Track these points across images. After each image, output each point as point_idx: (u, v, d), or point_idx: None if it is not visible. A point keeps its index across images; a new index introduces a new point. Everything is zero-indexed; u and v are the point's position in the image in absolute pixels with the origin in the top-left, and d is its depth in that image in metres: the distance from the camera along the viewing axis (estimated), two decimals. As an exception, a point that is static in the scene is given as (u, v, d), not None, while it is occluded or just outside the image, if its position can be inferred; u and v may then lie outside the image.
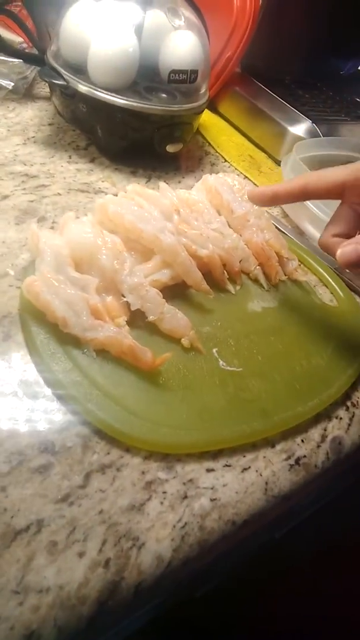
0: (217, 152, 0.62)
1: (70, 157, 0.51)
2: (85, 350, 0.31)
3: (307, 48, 0.70)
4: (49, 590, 0.22)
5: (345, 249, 0.31)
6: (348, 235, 0.35)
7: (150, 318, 0.34)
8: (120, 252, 0.35)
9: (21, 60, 0.54)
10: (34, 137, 0.52)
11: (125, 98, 0.47)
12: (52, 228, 0.42)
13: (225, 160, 0.61)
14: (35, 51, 0.56)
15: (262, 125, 0.65)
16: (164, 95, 0.51)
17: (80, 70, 0.49)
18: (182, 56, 0.48)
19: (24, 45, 0.59)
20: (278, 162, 0.64)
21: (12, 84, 0.53)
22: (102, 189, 0.49)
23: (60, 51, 0.50)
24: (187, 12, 0.50)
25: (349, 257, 0.31)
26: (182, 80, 0.48)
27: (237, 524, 0.27)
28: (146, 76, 0.50)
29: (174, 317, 0.34)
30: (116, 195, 0.40)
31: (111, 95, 0.47)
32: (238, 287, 0.41)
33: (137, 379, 0.31)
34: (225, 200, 0.43)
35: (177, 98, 0.51)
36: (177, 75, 0.48)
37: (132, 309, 0.34)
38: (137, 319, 0.35)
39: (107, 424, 0.28)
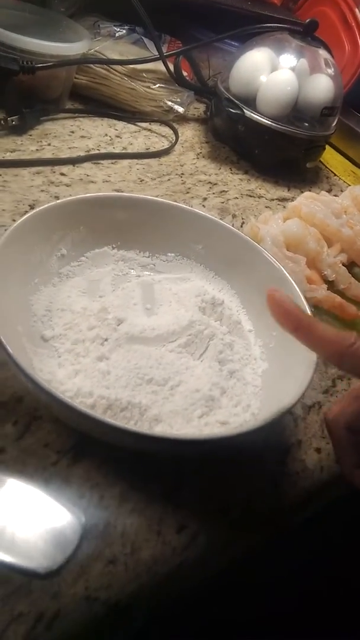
0: (327, 168, 0.77)
1: (231, 169, 0.66)
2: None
3: None
4: (339, 437, 0.36)
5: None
6: None
7: (341, 286, 0.49)
8: (320, 239, 0.49)
9: (191, 91, 0.69)
10: (201, 152, 0.67)
11: (284, 125, 0.62)
12: (243, 222, 0.56)
13: (335, 175, 0.76)
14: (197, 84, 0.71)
15: (360, 147, 0.80)
16: (306, 124, 0.66)
17: (246, 101, 0.63)
18: (330, 95, 0.63)
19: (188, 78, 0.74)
20: (374, 177, 0.79)
21: (183, 109, 0.68)
22: (261, 194, 0.63)
23: (230, 87, 0.65)
24: (329, 58, 0.65)
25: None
26: (329, 114, 0.63)
27: None
28: (292, 109, 0.64)
29: (358, 286, 0.49)
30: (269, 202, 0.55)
31: (275, 123, 0.62)
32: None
33: (340, 325, 0.46)
34: (369, 206, 0.58)
35: (317, 126, 0.66)
36: (328, 110, 0.62)
37: (329, 279, 0.49)
38: (328, 287, 0.49)
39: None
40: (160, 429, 0.28)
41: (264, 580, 0.74)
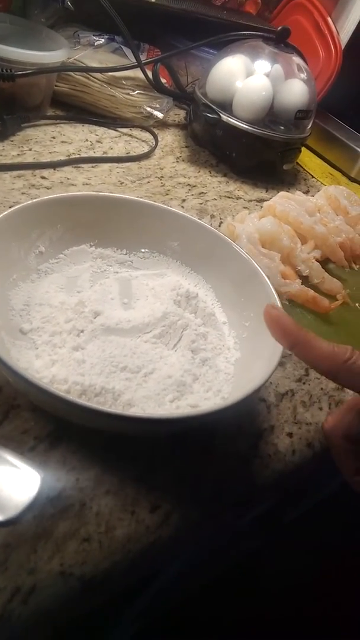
0: (305, 170, 0.79)
1: (210, 172, 0.68)
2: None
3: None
4: (310, 424, 0.38)
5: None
6: None
7: (315, 281, 0.50)
8: (294, 236, 0.51)
9: (170, 97, 0.71)
10: (180, 156, 0.69)
11: (260, 128, 0.64)
12: (221, 222, 0.58)
13: (313, 177, 0.78)
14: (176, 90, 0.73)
15: (337, 149, 0.82)
16: (282, 127, 0.68)
17: (223, 106, 0.65)
18: (304, 99, 0.65)
19: (167, 85, 0.76)
20: (350, 178, 0.81)
21: (162, 115, 0.70)
22: (239, 195, 0.65)
23: (207, 93, 0.67)
24: (302, 63, 0.67)
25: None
26: (304, 117, 0.65)
27: None
28: (268, 113, 0.66)
29: (331, 281, 0.50)
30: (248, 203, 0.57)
31: (250, 126, 0.64)
32: (357, 267, 0.57)
33: (315, 318, 0.47)
34: (343, 205, 0.60)
35: (292, 130, 0.68)
36: (301, 114, 0.65)
37: (303, 274, 0.50)
38: (303, 282, 0.51)
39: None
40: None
41: (261, 579, 0.75)
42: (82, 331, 0.33)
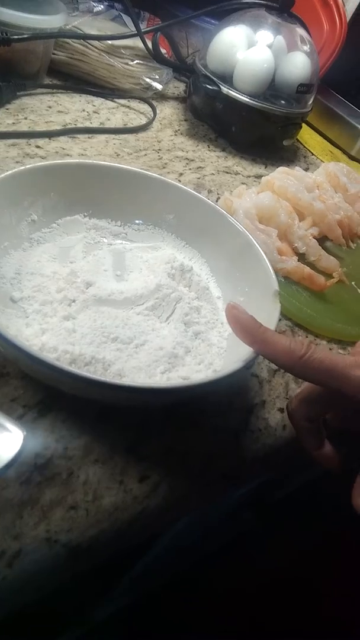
0: (305, 147, 0.78)
1: (208, 146, 0.66)
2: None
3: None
4: (303, 399, 0.38)
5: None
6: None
7: (311, 259, 0.50)
8: (291, 212, 0.50)
9: (170, 68, 0.69)
10: (179, 129, 0.67)
11: (261, 102, 0.63)
12: (218, 197, 0.57)
13: (313, 154, 0.77)
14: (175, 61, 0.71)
15: (338, 127, 0.81)
16: (283, 101, 0.66)
17: (223, 78, 0.64)
18: (306, 73, 0.63)
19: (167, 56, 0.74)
20: (350, 156, 0.80)
21: (161, 86, 0.68)
22: (238, 171, 0.64)
23: (208, 64, 0.65)
24: (305, 35, 0.66)
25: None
26: (306, 91, 0.64)
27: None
28: (269, 86, 0.65)
29: (328, 258, 0.50)
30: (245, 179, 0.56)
31: (251, 99, 0.62)
32: (354, 245, 0.57)
33: (310, 295, 0.47)
34: (342, 182, 0.59)
35: (293, 104, 0.66)
36: (303, 88, 0.63)
37: (300, 252, 0.50)
38: (300, 259, 0.50)
39: (304, 320, 0.44)
40: (122, 383, 0.28)
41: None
42: (73, 301, 0.33)
